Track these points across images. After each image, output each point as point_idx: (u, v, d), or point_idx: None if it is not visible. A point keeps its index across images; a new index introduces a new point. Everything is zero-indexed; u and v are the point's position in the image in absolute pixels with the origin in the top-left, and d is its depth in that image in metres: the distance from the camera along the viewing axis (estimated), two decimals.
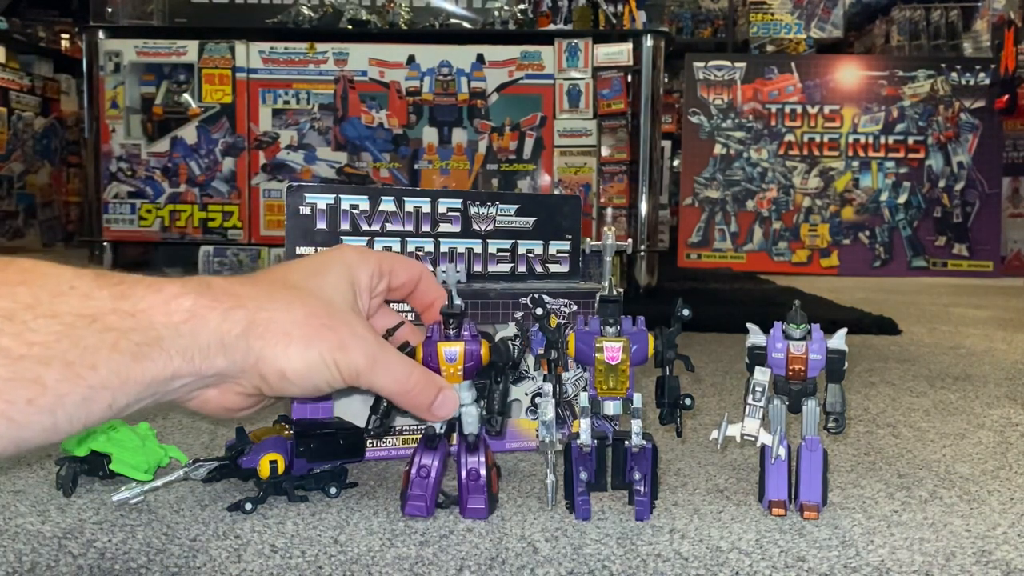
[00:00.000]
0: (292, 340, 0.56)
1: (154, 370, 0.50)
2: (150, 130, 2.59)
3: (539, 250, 0.93)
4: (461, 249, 0.91)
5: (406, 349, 0.68)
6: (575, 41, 2.56)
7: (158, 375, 0.50)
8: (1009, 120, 4.31)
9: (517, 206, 0.92)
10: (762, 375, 0.71)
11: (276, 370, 0.56)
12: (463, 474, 0.69)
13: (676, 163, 4.81)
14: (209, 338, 0.53)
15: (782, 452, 0.70)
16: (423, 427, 0.75)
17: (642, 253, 2.60)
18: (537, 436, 0.70)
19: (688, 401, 0.72)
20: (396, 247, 0.89)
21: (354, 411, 0.83)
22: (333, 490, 0.73)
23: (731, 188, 4.33)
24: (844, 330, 0.71)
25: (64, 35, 5.51)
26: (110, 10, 2.87)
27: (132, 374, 0.49)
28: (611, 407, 0.71)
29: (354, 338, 0.59)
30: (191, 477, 0.70)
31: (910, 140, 4.28)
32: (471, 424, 0.70)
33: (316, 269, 0.63)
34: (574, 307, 0.89)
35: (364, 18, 2.71)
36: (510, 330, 0.88)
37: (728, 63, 4.38)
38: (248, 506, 0.68)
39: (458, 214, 0.90)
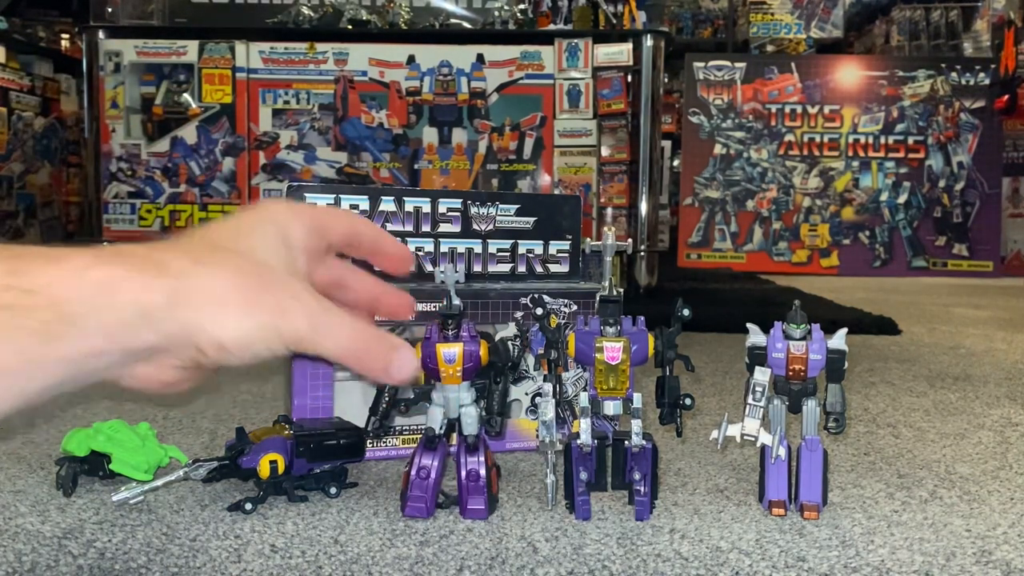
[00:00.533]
0: (227, 308, 0.51)
1: (68, 349, 0.46)
2: (150, 130, 2.59)
3: (539, 250, 0.93)
4: (461, 249, 0.91)
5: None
6: (575, 41, 2.56)
7: (74, 355, 0.46)
8: (1009, 120, 4.31)
9: (517, 206, 0.92)
10: (762, 375, 0.71)
11: (213, 341, 0.51)
12: (463, 475, 0.69)
13: (676, 163, 4.81)
14: (129, 311, 0.48)
15: (782, 452, 0.70)
16: (423, 427, 0.75)
17: (642, 253, 2.59)
18: (537, 436, 0.70)
19: (688, 401, 0.72)
20: None
21: (354, 411, 0.83)
22: (333, 490, 0.73)
23: (731, 188, 4.33)
24: (844, 330, 0.71)
25: (64, 35, 5.51)
26: (110, 10, 2.87)
27: (41, 355, 0.45)
28: (611, 407, 0.71)
29: (293, 301, 0.54)
30: (191, 477, 0.70)
31: (910, 140, 4.28)
32: (471, 425, 0.70)
33: (245, 228, 0.57)
34: (574, 307, 0.89)
35: (364, 18, 2.71)
36: (510, 330, 0.88)
37: (728, 63, 4.38)
38: (248, 506, 0.68)
39: (458, 214, 0.90)
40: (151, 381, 0.54)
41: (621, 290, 0.74)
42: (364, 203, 0.88)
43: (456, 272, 0.71)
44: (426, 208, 0.89)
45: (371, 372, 0.57)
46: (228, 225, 0.58)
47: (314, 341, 0.54)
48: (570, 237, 0.94)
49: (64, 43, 5.48)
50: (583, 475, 0.69)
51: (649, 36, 2.58)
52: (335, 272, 0.64)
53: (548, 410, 0.69)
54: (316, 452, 0.73)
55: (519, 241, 0.92)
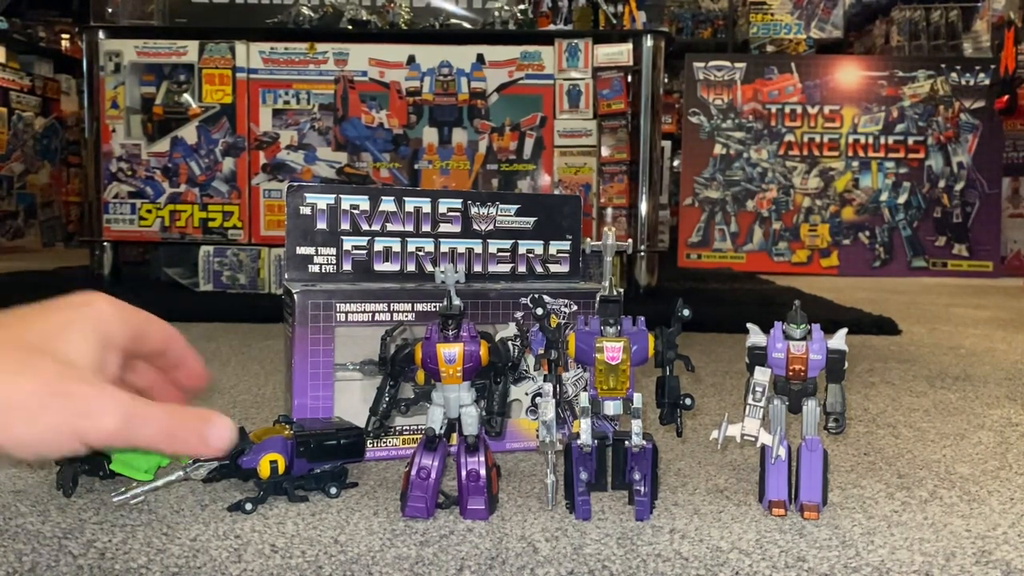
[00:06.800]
0: (16, 415, 0.53)
1: None
2: (150, 130, 2.59)
3: (539, 250, 0.93)
4: (461, 249, 0.91)
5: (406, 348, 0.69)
6: (575, 41, 2.56)
7: None
8: (1009, 120, 4.31)
9: (517, 206, 0.92)
10: (762, 375, 0.71)
11: None
12: (463, 475, 0.69)
13: (676, 163, 4.81)
14: None
15: (782, 452, 0.70)
16: (423, 427, 0.75)
17: (642, 253, 2.60)
18: (537, 436, 0.70)
19: (688, 401, 0.72)
20: (396, 247, 0.89)
21: (354, 411, 0.83)
22: (333, 490, 0.73)
23: (731, 188, 4.33)
24: (844, 330, 0.71)
25: (64, 35, 5.51)
26: (110, 10, 2.87)
27: None
28: (611, 407, 0.71)
29: (99, 399, 0.55)
30: (191, 477, 0.70)
31: (910, 140, 4.28)
32: (471, 425, 0.70)
33: (61, 325, 0.58)
34: (574, 307, 0.89)
35: (364, 18, 2.71)
36: (510, 330, 0.88)
37: (728, 63, 4.38)
38: (248, 506, 0.68)
39: (458, 214, 0.90)
40: None
41: (621, 290, 0.74)
42: (364, 203, 0.88)
43: (456, 272, 0.71)
44: (426, 208, 0.89)
45: (188, 448, 0.59)
46: (45, 318, 0.59)
47: (128, 434, 0.56)
48: (570, 237, 0.94)
49: (64, 43, 5.48)
50: (583, 475, 0.69)
51: (649, 36, 2.58)
52: (145, 376, 0.66)
53: (548, 410, 0.69)
54: (316, 452, 0.73)
55: (519, 241, 0.92)
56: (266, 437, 0.72)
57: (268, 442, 0.71)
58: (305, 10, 2.71)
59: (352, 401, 0.84)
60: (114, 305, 0.62)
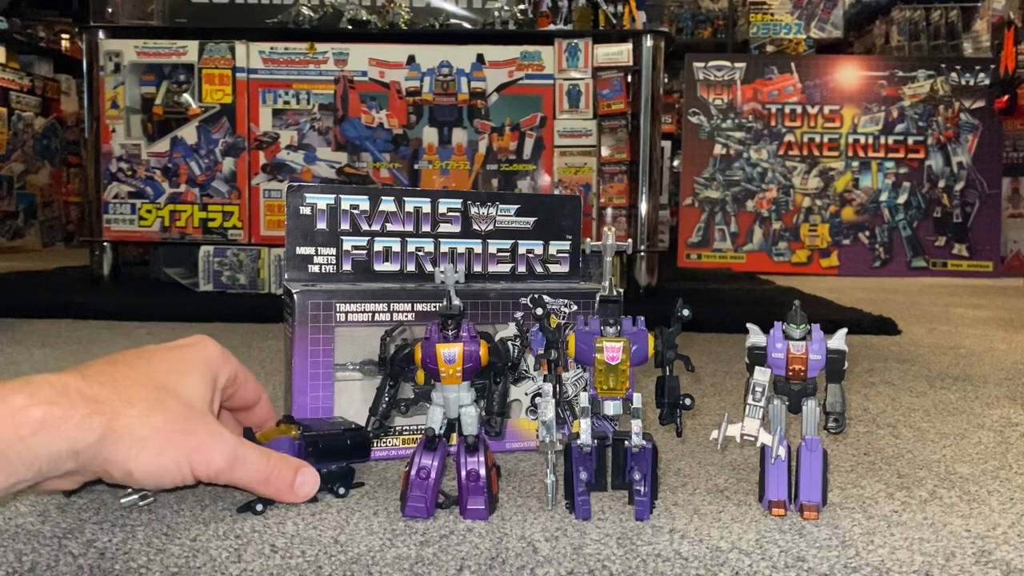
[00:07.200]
0: (146, 446, 0.59)
1: None
2: (150, 130, 2.59)
3: (539, 250, 0.93)
4: (461, 249, 0.91)
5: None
6: (575, 41, 2.56)
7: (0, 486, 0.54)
8: (1009, 120, 4.31)
9: (517, 206, 0.92)
10: (762, 375, 0.71)
11: (124, 471, 0.59)
12: (463, 475, 0.69)
13: (676, 163, 4.81)
14: (60, 448, 0.55)
15: (782, 452, 0.70)
16: (423, 427, 0.75)
17: (642, 253, 2.60)
18: (537, 436, 0.70)
19: (688, 401, 0.72)
20: (396, 247, 0.89)
21: (354, 411, 0.83)
22: (342, 490, 0.73)
23: (731, 188, 4.33)
24: (844, 330, 0.71)
25: (64, 35, 5.51)
26: (110, 10, 2.87)
27: None
28: (611, 407, 0.71)
29: (212, 438, 0.62)
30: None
31: (910, 140, 4.28)
32: (470, 425, 0.70)
33: (179, 366, 0.65)
34: (574, 307, 0.89)
35: (364, 18, 2.71)
36: (510, 330, 0.88)
37: (728, 63, 4.38)
38: (259, 507, 0.68)
39: (458, 214, 0.90)
40: (50, 488, 0.63)
41: (621, 290, 0.74)
42: (364, 203, 0.88)
43: (456, 272, 0.71)
44: (426, 208, 0.89)
45: (279, 494, 0.67)
46: (164, 358, 0.65)
47: (231, 473, 0.64)
48: (570, 237, 0.94)
49: (64, 43, 5.49)
50: (583, 475, 0.69)
51: (649, 36, 2.58)
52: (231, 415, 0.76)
53: (548, 410, 0.69)
54: (324, 452, 0.73)
55: (519, 241, 0.92)
56: (273, 438, 0.72)
57: (276, 443, 0.71)
58: (305, 10, 2.71)
59: (352, 401, 0.84)
60: (221, 349, 0.70)
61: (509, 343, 0.82)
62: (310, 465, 0.69)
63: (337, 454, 0.74)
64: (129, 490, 0.68)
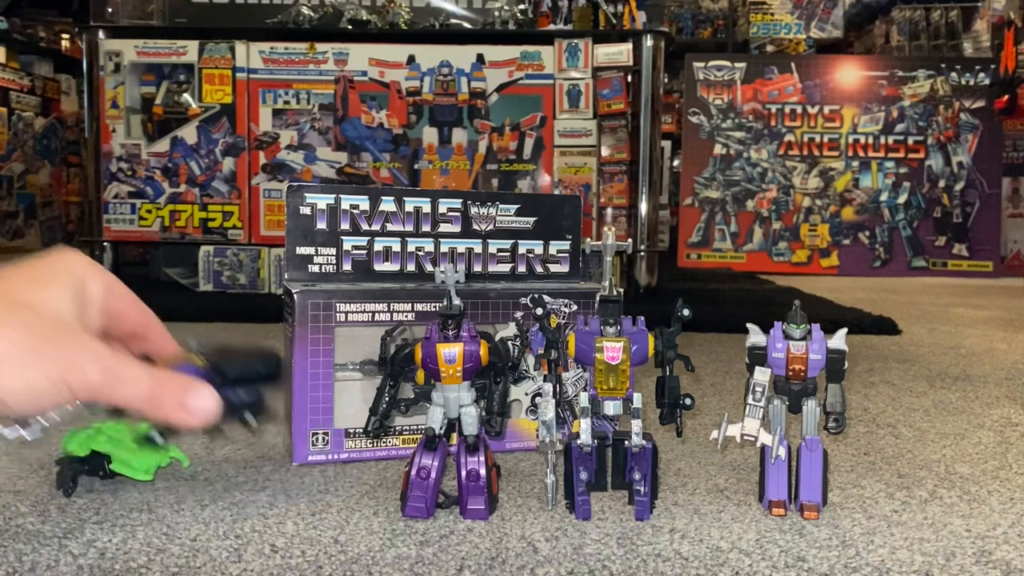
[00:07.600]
0: (11, 363, 0.52)
1: None
2: (150, 130, 2.59)
3: (539, 250, 0.93)
4: (461, 249, 0.91)
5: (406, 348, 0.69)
6: (575, 41, 2.56)
7: None
8: (1009, 120, 4.31)
9: (517, 206, 0.92)
10: (762, 375, 0.71)
11: None
12: (463, 475, 0.69)
13: (676, 163, 4.81)
14: None
15: (782, 452, 0.70)
16: (423, 427, 0.75)
17: (642, 253, 2.59)
18: (537, 436, 0.70)
19: (688, 401, 0.72)
20: (396, 247, 0.89)
21: (354, 411, 0.83)
22: (251, 419, 0.68)
23: (731, 188, 4.33)
24: (844, 330, 0.71)
25: (64, 35, 5.51)
26: (110, 10, 2.87)
27: None
28: (611, 407, 0.71)
29: (85, 353, 0.55)
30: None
31: (910, 140, 4.28)
32: (471, 425, 0.70)
33: (42, 279, 0.58)
34: (574, 307, 0.89)
35: (364, 18, 2.71)
36: (510, 330, 0.88)
37: (728, 63, 4.38)
38: (159, 439, 0.65)
39: (458, 214, 0.90)
40: None
41: (621, 290, 0.74)
42: (364, 203, 0.88)
43: (456, 272, 0.71)
44: (426, 208, 0.89)
45: (167, 414, 0.58)
46: (27, 274, 0.58)
47: (109, 390, 0.56)
48: (570, 237, 0.94)
49: (64, 43, 5.48)
50: (583, 475, 0.69)
51: (649, 36, 2.58)
52: (125, 327, 0.65)
53: (548, 410, 0.69)
54: (233, 378, 0.67)
55: (519, 241, 0.92)
56: (176, 365, 0.67)
57: (183, 369, 0.66)
58: (305, 10, 2.71)
59: (352, 401, 0.84)
60: (89, 261, 0.62)
61: (509, 343, 0.82)
62: (208, 384, 0.60)
63: (247, 379, 0.69)
64: (14, 424, 0.60)
